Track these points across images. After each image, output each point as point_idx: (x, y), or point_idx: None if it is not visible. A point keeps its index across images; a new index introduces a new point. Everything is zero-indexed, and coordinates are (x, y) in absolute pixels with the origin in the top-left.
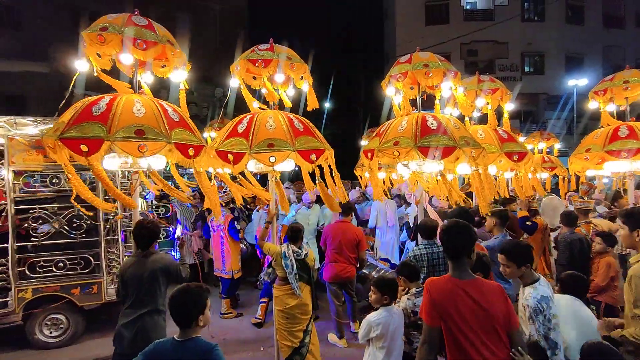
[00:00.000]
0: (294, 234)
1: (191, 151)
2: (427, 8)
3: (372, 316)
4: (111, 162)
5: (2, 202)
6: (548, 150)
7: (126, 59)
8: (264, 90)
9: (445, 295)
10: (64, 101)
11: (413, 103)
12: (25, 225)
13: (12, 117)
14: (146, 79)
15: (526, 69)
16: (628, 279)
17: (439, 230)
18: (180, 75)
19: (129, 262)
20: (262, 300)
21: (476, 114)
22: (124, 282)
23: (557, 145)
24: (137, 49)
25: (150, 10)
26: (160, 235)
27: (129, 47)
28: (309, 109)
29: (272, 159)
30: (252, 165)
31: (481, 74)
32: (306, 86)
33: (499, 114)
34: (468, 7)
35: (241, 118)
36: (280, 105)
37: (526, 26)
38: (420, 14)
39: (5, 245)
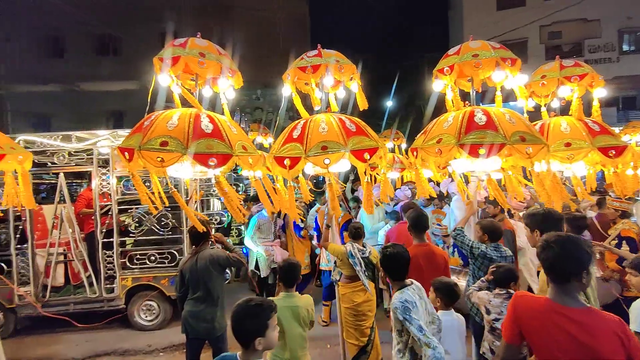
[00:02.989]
0: (356, 232)
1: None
2: None
3: None
4: (184, 170)
5: (108, 203)
6: None
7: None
8: (317, 95)
9: (536, 317)
10: (147, 114)
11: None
12: (126, 222)
13: (115, 130)
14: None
15: (625, 48)
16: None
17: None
18: (231, 93)
19: (186, 259)
20: (324, 303)
21: (556, 104)
22: (183, 276)
23: None
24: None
25: (218, 23)
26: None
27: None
28: (361, 109)
29: (327, 161)
30: (309, 169)
31: (567, 57)
32: (355, 87)
33: (587, 102)
34: None
35: (296, 124)
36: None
37: None
38: None
39: (111, 239)
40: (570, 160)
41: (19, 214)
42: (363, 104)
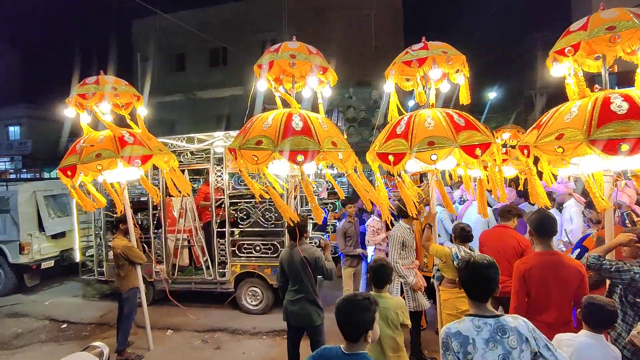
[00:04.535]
0: (464, 234)
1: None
2: None
3: (565, 335)
4: (281, 167)
5: (221, 197)
6: None
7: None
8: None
9: None
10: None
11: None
12: (235, 215)
13: (227, 132)
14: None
15: None
16: None
17: None
18: (327, 91)
19: (285, 252)
20: None
21: None
22: (282, 268)
23: None
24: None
25: (312, 26)
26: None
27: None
28: (460, 103)
29: (434, 157)
30: (413, 165)
31: None
32: (462, 79)
33: None
34: None
35: (399, 120)
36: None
37: None
38: None
39: (223, 229)
40: None
41: (155, 204)
42: (466, 98)
